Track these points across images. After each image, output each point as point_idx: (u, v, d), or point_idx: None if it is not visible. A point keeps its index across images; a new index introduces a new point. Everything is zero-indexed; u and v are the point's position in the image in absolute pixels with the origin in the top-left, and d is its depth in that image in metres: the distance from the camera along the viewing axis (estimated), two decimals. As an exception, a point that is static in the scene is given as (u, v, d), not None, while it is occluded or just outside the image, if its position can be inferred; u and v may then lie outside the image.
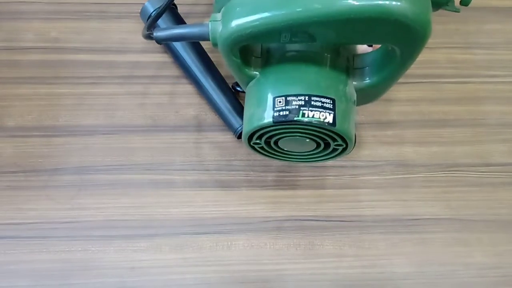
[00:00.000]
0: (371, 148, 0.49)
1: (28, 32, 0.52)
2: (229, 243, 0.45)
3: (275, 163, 0.48)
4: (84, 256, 0.44)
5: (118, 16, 0.53)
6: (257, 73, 0.38)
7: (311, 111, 0.35)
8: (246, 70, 0.38)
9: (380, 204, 0.47)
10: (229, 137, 0.48)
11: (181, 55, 0.48)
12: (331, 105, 0.35)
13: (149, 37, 0.38)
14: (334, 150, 0.40)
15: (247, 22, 0.32)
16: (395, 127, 0.50)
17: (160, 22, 0.48)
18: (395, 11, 0.30)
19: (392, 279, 0.44)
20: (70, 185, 0.46)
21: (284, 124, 0.36)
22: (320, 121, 0.35)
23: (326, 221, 0.46)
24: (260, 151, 0.42)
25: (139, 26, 0.52)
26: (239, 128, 0.46)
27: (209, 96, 0.47)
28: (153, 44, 0.51)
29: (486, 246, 0.46)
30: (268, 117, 0.36)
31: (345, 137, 0.37)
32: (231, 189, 0.47)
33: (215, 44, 0.35)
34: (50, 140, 0.48)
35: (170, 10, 0.49)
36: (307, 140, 0.38)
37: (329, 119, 0.35)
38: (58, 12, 0.53)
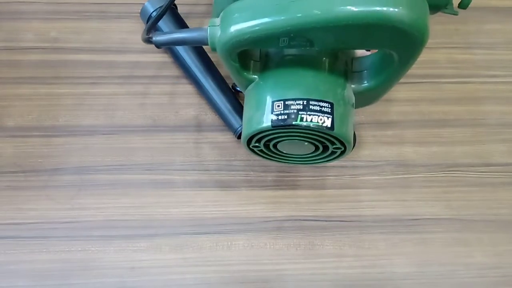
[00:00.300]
0: (371, 148, 0.49)
1: (28, 32, 0.52)
2: (229, 243, 0.45)
3: (275, 163, 0.48)
4: (84, 256, 0.44)
5: (118, 16, 0.53)
6: (256, 76, 0.39)
7: (310, 115, 0.35)
8: (245, 74, 0.38)
9: (380, 204, 0.47)
10: (229, 137, 0.48)
11: (181, 55, 0.48)
12: (330, 109, 0.36)
13: (148, 41, 0.38)
14: (333, 153, 0.40)
15: (246, 28, 0.33)
16: (395, 127, 0.50)
17: (160, 22, 0.48)
18: (393, 17, 0.30)
19: (392, 279, 0.44)
20: (70, 185, 0.46)
21: (283, 128, 0.36)
22: (318, 125, 0.35)
23: (326, 221, 0.46)
24: (259, 153, 0.42)
25: (139, 26, 0.52)
26: (239, 128, 0.46)
27: (209, 96, 0.47)
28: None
29: (486, 246, 0.46)
30: (266, 121, 0.36)
31: (343, 141, 0.37)
32: (231, 189, 0.47)
33: (214, 49, 0.35)
34: (50, 140, 0.48)
35: (170, 11, 0.49)
36: (306, 143, 0.38)
37: (327, 123, 0.35)
38: (57, 12, 0.53)
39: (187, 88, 0.50)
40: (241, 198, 0.46)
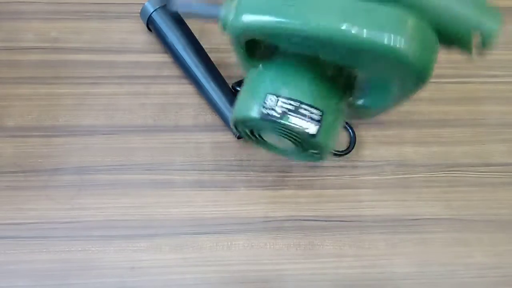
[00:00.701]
0: (371, 148, 0.49)
1: (28, 32, 0.52)
2: (229, 243, 0.45)
3: (275, 163, 0.48)
4: (84, 256, 0.44)
5: (118, 16, 0.53)
6: (260, 64, 0.39)
7: (297, 118, 0.35)
8: (250, 60, 0.38)
9: (380, 204, 0.47)
10: (229, 137, 0.48)
11: (181, 55, 0.48)
12: (319, 117, 0.36)
13: (170, 6, 0.39)
14: (311, 155, 0.40)
15: (257, 21, 0.32)
16: (395, 127, 0.50)
17: (159, 21, 0.48)
18: (400, 52, 0.29)
19: (392, 279, 0.44)
20: (70, 185, 0.46)
21: (269, 122, 0.36)
22: (302, 130, 0.35)
23: (326, 221, 0.46)
24: (246, 136, 0.42)
25: (139, 26, 0.52)
26: (239, 128, 0.46)
27: (209, 96, 0.47)
28: (153, 44, 0.52)
29: (486, 246, 0.46)
30: (255, 111, 0.36)
31: (321, 150, 0.37)
32: (231, 189, 0.47)
33: (224, 29, 0.35)
34: (50, 140, 0.48)
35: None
36: (287, 140, 0.38)
37: (312, 130, 0.36)
38: (57, 12, 0.53)
39: (187, 88, 0.50)
40: (241, 198, 0.46)
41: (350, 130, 0.49)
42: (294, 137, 0.37)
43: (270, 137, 0.40)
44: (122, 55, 0.51)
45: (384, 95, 0.37)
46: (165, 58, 0.51)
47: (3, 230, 0.44)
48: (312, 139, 0.36)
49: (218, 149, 0.48)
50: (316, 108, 0.36)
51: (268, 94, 0.36)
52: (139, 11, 0.49)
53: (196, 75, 0.48)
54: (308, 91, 0.37)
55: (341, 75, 0.38)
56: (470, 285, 0.44)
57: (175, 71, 0.51)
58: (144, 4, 0.49)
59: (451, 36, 0.35)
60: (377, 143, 0.49)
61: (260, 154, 0.48)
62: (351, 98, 0.38)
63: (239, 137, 0.47)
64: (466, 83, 0.52)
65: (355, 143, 0.48)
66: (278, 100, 0.36)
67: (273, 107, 0.36)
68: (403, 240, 0.46)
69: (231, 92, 0.47)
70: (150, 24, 0.50)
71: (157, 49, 0.51)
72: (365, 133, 0.49)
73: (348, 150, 0.48)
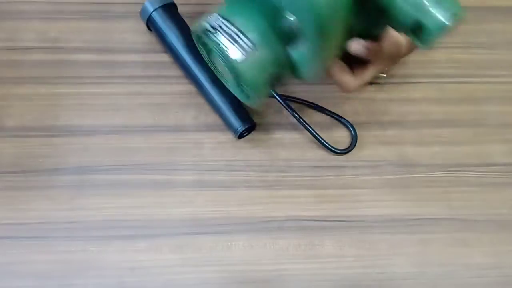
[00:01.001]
0: (371, 148, 0.49)
1: (28, 32, 0.52)
2: (229, 243, 0.45)
3: (275, 163, 0.48)
4: (84, 256, 0.44)
5: (118, 16, 0.53)
6: None
7: (228, 40, 0.37)
8: None
9: (380, 204, 0.47)
10: (229, 137, 0.48)
11: (181, 55, 0.48)
12: (249, 48, 0.37)
13: None
14: (242, 91, 0.41)
15: None
16: (395, 127, 0.50)
17: (159, 20, 0.48)
18: None
19: (392, 279, 0.44)
20: (70, 185, 0.46)
21: (204, 35, 0.38)
22: (227, 52, 0.37)
23: (326, 221, 0.46)
24: (207, 61, 0.44)
25: (139, 26, 0.52)
26: (239, 128, 0.46)
27: (209, 96, 0.47)
28: (153, 44, 0.52)
29: (486, 246, 0.46)
30: (199, 24, 0.38)
31: (248, 86, 0.38)
32: (231, 189, 0.47)
33: None
34: (50, 140, 0.48)
35: (170, 9, 0.49)
36: (224, 65, 0.39)
37: (237, 56, 0.37)
38: (58, 12, 0.53)
39: (187, 88, 0.50)
40: (241, 198, 0.46)
41: (351, 129, 0.49)
42: (225, 62, 0.38)
43: (218, 63, 0.41)
44: (122, 55, 0.51)
45: (305, 48, 0.38)
46: (165, 58, 0.51)
47: (3, 230, 0.44)
48: (235, 66, 0.37)
49: (218, 149, 0.48)
50: (249, 40, 0.37)
51: (218, 15, 0.38)
52: (139, 11, 0.49)
53: (196, 75, 0.48)
54: (250, 22, 0.38)
55: (289, 25, 0.39)
56: (470, 285, 0.44)
57: (175, 71, 0.51)
58: (144, 4, 0.49)
59: (393, 20, 0.36)
60: (377, 143, 0.49)
61: (260, 154, 0.48)
62: (289, 48, 0.39)
63: (239, 137, 0.47)
64: (466, 83, 0.52)
65: (356, 142, 0.48)
66: (222, 21, 0.38)
67: (212, 23, 0.38)
68: (403, 240, 0.46)
69: (231, 92, 0.47)
70: (150, 24, 0.50)
71: (157, 49, 0.51)
72: (365, 133, 0.49)
73: (349, 149, 0.48)
